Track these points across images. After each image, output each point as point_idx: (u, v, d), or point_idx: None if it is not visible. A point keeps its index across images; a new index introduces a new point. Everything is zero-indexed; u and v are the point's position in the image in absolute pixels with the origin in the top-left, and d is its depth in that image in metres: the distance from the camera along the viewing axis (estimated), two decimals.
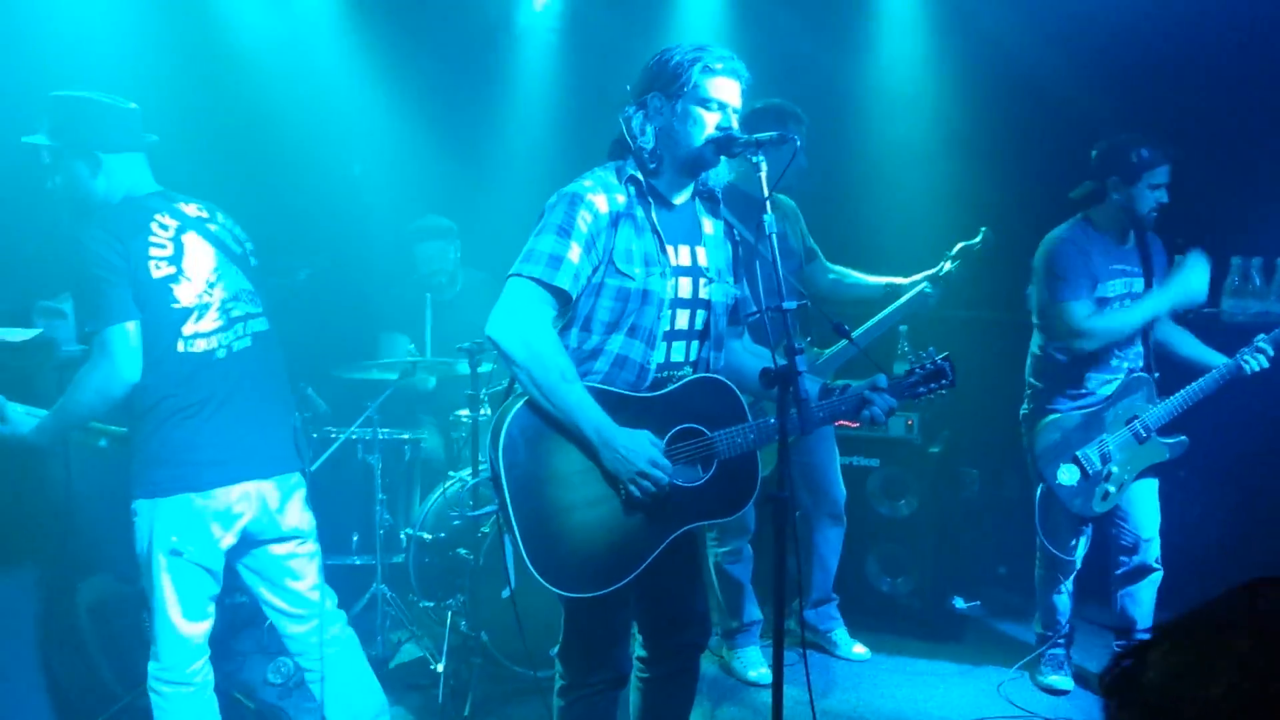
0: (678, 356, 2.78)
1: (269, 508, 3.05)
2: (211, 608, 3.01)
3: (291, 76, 5.51)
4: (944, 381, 2.84)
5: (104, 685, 3.60)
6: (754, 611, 4.51)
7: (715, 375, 2.80)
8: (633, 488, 2.58)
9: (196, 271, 2.93)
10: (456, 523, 4.33)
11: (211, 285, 2.95)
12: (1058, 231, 4.09)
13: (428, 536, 4.37)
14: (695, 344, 2.81)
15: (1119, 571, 4.16)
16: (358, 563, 4.57)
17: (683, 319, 2.77)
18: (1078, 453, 4.01)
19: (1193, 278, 3.94)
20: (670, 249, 2.74)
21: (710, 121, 2.68)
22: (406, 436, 4.70)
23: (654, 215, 2.72)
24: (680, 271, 2.75)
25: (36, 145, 2.94)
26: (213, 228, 3.04)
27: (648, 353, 2.69)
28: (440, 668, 4.07)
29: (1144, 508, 4.11)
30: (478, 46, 6.06)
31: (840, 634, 4.69)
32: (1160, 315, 4.02)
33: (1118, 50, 5.24)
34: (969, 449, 5.47)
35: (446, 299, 5.20)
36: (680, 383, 2.74)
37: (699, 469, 2.73)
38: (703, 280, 2.79)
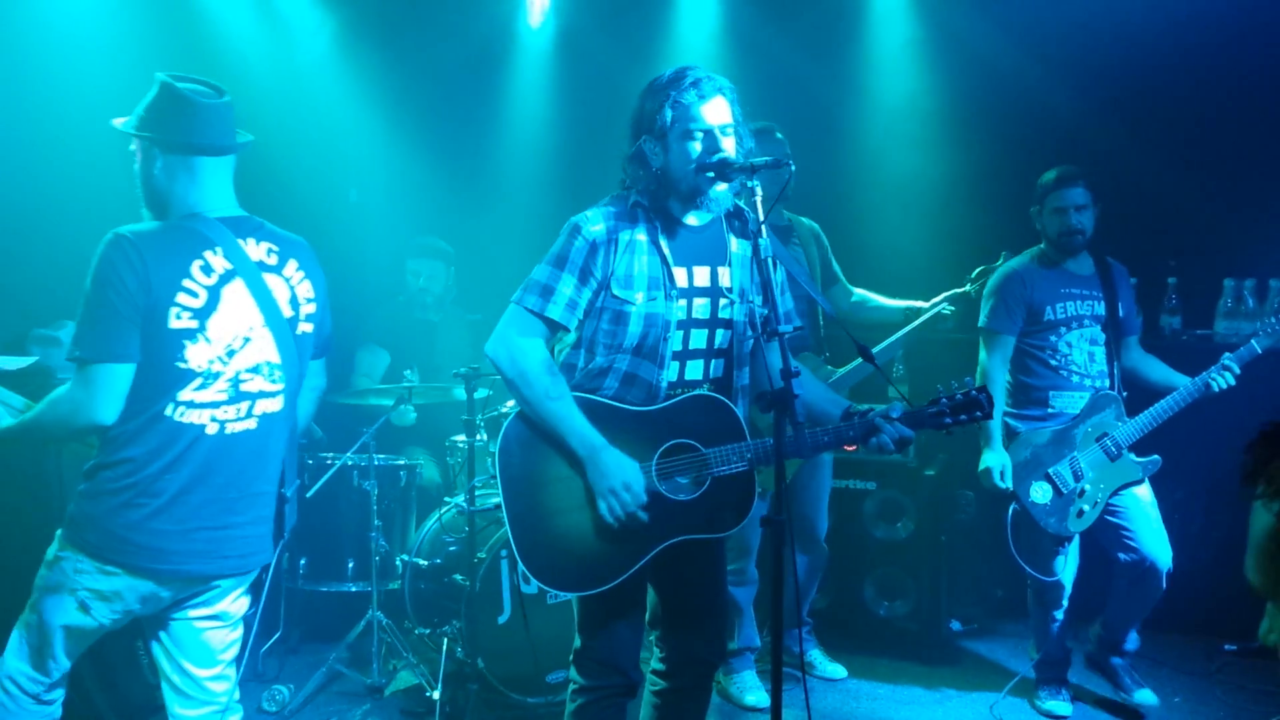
0: (694, 375, 2.82)
1: (201, 596, 2.69)
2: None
3: (287, 102, 5.54)
4: (978, 414, 2.78)
5: (99, 716, 3.57)
6: (753, 636, 4.48)
7: (714, 394, 2.81)
8: (601, 503, 2.67)
9: (221, 333, 2.55)
10: (452, 549, 4.31)
11: (231, 353, 2.57)
12: (1009, 262, 4.27)
13: (423, 563, 4.35)
14: (718, 362, 2.85)
15: (1125, 583, 4.14)
16: (353, 589, 4.54)
17: (699, 339, 2.81)
18: (1049, 470, 4.05)
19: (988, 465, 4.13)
20: (681, 271, 2.78)
21: (698, 151, 2.71)
22: (402, 462, 4.69)
23: (661, 239, 2.78)
24: (694, 293, 2.79)
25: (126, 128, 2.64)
26: (273, 281, 2.66)
27: (657, 372, 2.76)
28: (436, 695, 4.05)
29: (1149, 527, 4.09)
30: (473, 70, 6.09)
31: (816, 654, 4.68)
32: (989, 448, 4.16)
33: (1111, 72, 5.29)
34: (965, 472, 5.43)
35: (431, 320, 5.21)
36: (678, 399, 2.78)
37: (691, 484, 2.76)
38: (723, 300, 2.82)
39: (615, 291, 2.73)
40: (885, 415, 2.72)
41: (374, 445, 4.45)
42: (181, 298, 2.49)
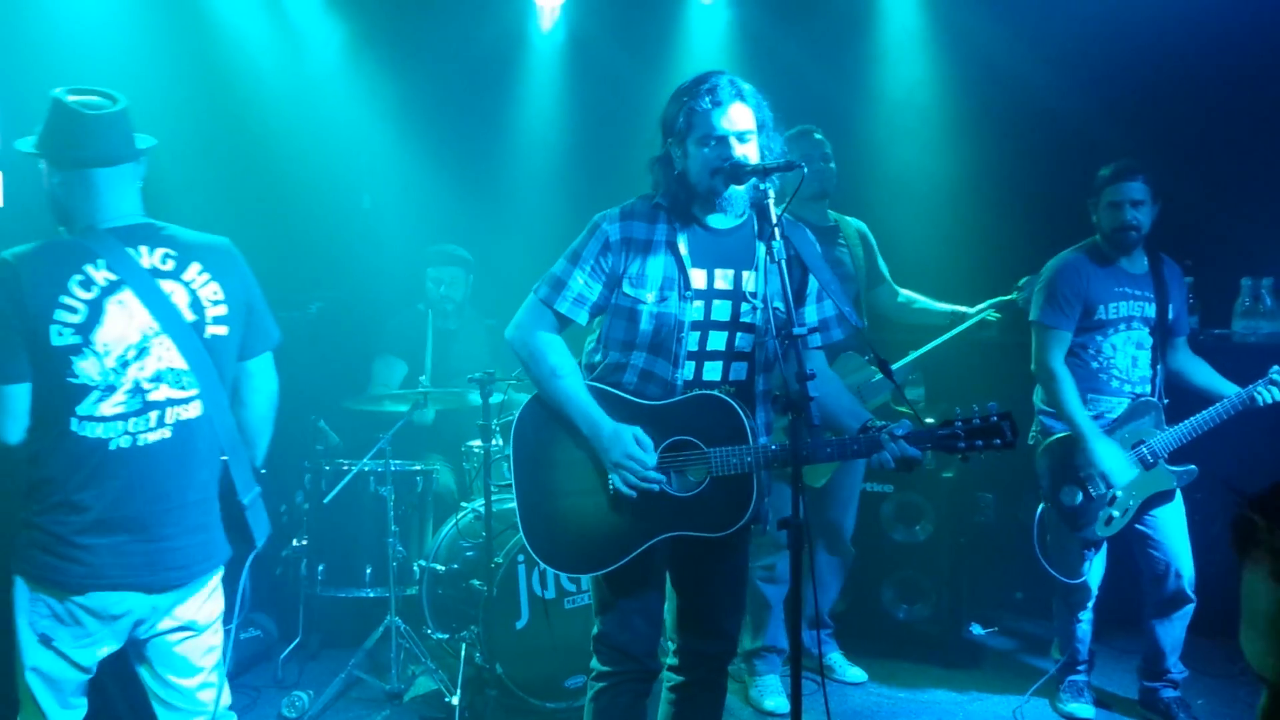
0: (712, 376, 2.84)
1: (160, 609, 2.63)
2: (81, 698, 2.65)
3: (300, 110, 5.56)
4: (997, 441, 2.67)
5: (118, 718, 3.57)
6: (779, 636, 4.41)
7: (721, 394, 2.80)
8: (614, 477, 2.76)
9: (110, 345, 2.50)
10: (470, 554, 4.31)
11: (125, 363, 2.51)
12: (1062, 254, 4.13)
13: (441, 568, 4.36)
14: (738, 365, 2.86)
15: (1152, 600, 4.09)
16: (371, 595, 4.54)
17: (718, 340, 2.83)
18: (1081, 474, 3.98)
19: (1109, 459, 3.90)
20: (700, 272, 2.80)
21: (711, 156, 2.74)
22: (419, 468, 4.69)
23: (680, 239, 2.80)
24: (712, 294, 2.81)
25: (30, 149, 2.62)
26: (169, 286, 2.59)
27: (671, 370, 2.80)
28: (455, 700, 4.05)
29: (1176, 537, 4.04)
30: (485, 75, 6.10)
31: (836, 657, 4.66)
32: (1085, 437, 3.92)
33: (1122, 71, 5.27)
34: (984, 473, 5.43)
35: (450, 328, 5.22)
36: (684, 396, 2.80)
37: (691, 481, 2.79)
38: (745, 304, 2.83)
39: (626, 290, 2.81)
40: (890, 433, 2.69)
41: (390, 451, 4.46)
42: (60, 314, 2.47)
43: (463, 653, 4.12)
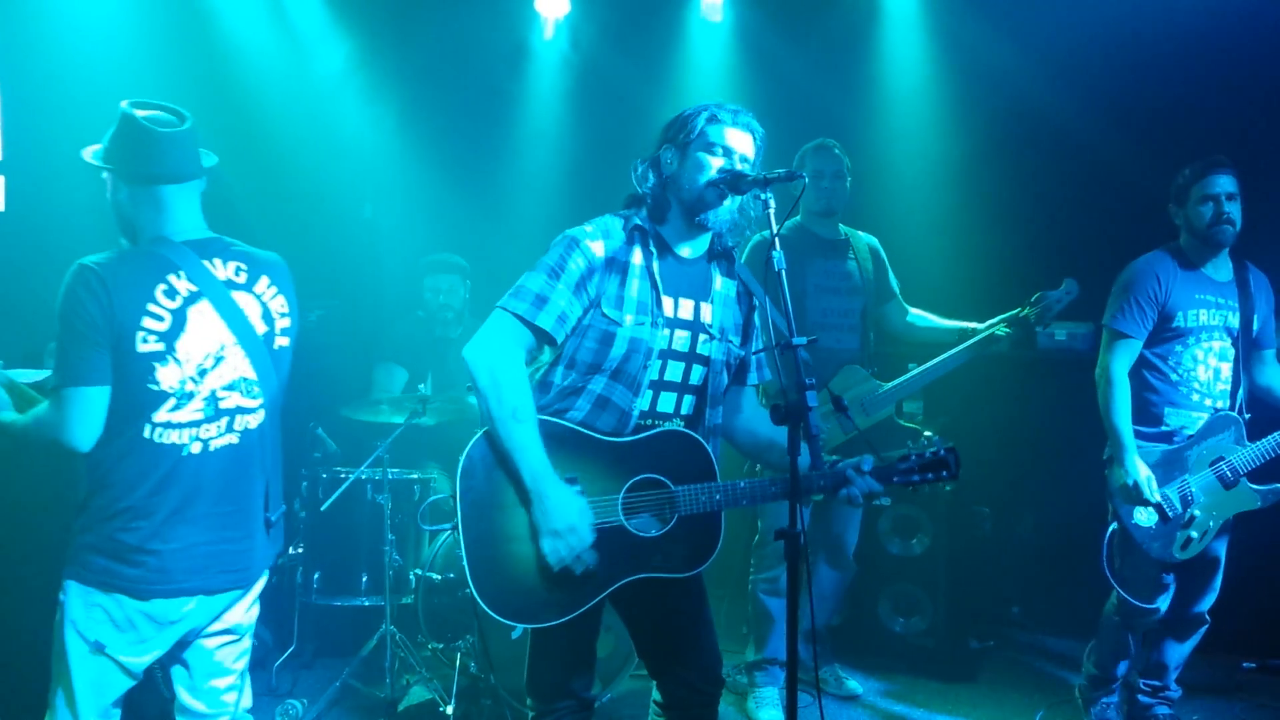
0: (665, 407, 2.80)
1: (213, 614, 2.71)
2: (118, 710, 2.68)
3: (303, 119, 5.58)
4: (944, 474, 2.72)
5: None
6: (782, 651, 4.35)
7: (688, 431, 2.78)
8: (544, 543, 2.58)
9: (190, 353, 2.59)
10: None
11: (204, 372, 2.60)
12: (1142, 257, 3.95)
13: (437, 577, 4.35)
14: (689, 398, 2.83)
15: (1171, 615, 3.96)
16: (366, 604, 4.53)
17: (675, 371, 2.80)
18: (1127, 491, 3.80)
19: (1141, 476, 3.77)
20: (668, 300, 2.78)
21: (714, 165, 2.74)
22: (416, 476, 4.69)
23: (654, 265, 2.78)
24: (677, 324, 2.79)
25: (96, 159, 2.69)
26: (242, 299, 2.69)
27: (631, 399, 2.72)
28: (450, 710, 4.04)
29: (1212, 554, 3.91)
30: (486, 85, 6.12)
31: (832, 670, 4.65)
32: (1124, 450, 3.78)
33: (1133, 85, 5.26)
34: (981, 487, 5.44)
35: (451, 336, 5.22)
36: (650, 432, 2.74)
37: (657, 521, 2.71)
38: (702, 336, 2.82)
39: (605, 310, 2.71)
40: (856, 468, 2.68)
41: (388, 459, 4.46)
42: (147, 322, 2.53)
43: (458, 662, 4.11)
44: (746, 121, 2.78)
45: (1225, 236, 3.82)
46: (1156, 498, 3.76)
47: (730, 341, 2.87)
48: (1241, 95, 5.12)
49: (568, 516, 2.58)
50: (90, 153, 2.70)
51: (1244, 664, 4.79)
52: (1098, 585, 4.13)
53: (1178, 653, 4.04)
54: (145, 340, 2.53)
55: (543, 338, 2.70)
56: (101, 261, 2.55)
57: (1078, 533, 4.62)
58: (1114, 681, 4.13)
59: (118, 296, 2.51)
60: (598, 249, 2.73)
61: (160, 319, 2.55)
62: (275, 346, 2.76)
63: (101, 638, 2.56)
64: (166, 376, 2.55)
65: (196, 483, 2.60)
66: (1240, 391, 3.91)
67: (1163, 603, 3.91)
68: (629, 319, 2.72)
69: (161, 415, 2.55)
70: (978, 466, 5.26)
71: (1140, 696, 4.11)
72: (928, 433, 2.87)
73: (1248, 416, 3.92)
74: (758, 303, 2.93)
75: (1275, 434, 3.80)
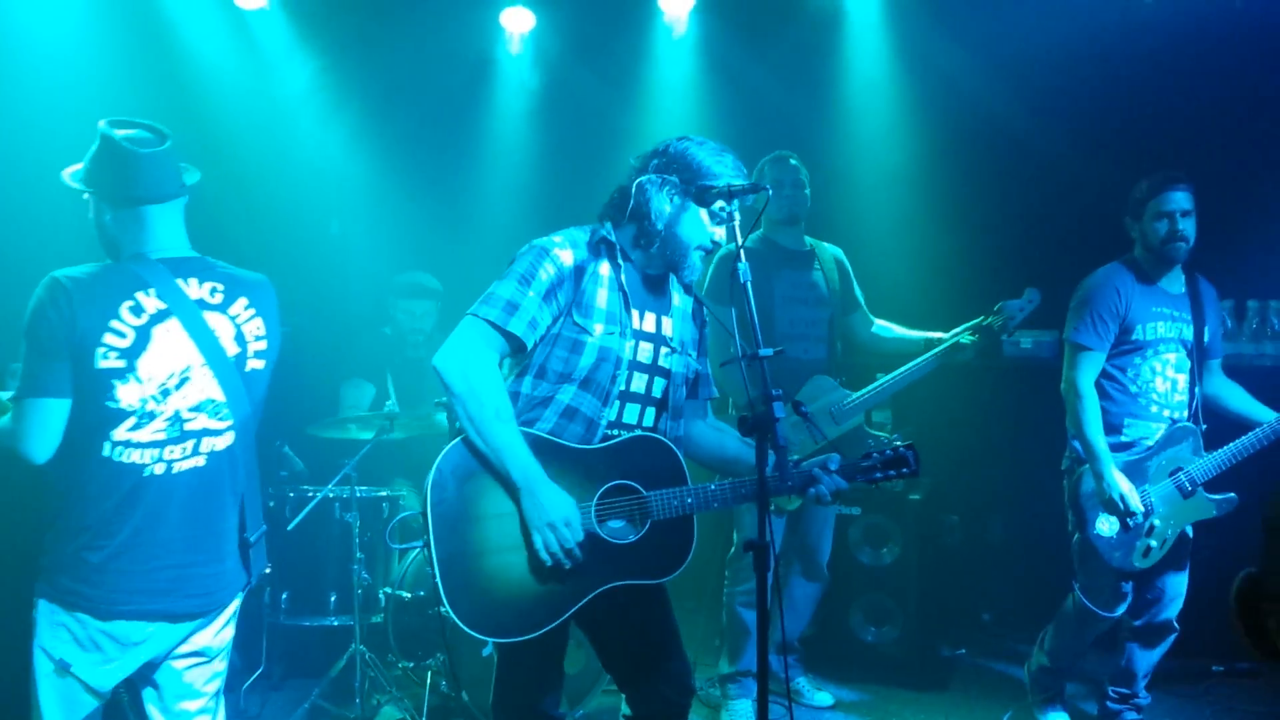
0: (630, 418, 2.81)
1: (179, 636, 2.66)
2: None
3: (268, 135, 5.55)
4: (904, 470, 2.78)
5: None
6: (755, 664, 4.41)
7: (658, 435, 2.80)
8: (537, 537, 2.58)
9: (153, 372, 2.53)
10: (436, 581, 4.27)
11: (166, 392, 2.55)
12: (1102, 269, 4.01)
13: (407, 595, 4.32)
14: (651, 410, 2.85)
15: (1137, 623, 4.01)
16: (335, 624, 4.49)
17: (639, 382, 2.81)
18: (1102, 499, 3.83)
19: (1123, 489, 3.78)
20: (635, 312, 2.81)
21: (713, 234, 2.79)
22: (384, 494, 4.65)
23: (623, 276, 2.80)
24: (642, 336, 2.81)
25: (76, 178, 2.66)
26: (213, 319, 2.64)
27: (599, 409, 2.73)
28: None
29: (1174, 562, 3.95)
30: (453, 99, 6.11)
31: (802, 682, 4.65)
32: (1100, 463, 3.81)
33: (1098, 98, 5.33)
34: (950, 496, 5.47)
35: (418, 356, 5.20)
36: (621, 439, 2.75)
37: (630, 527, 2.71)
38: (664, 349, 2.85)
39: (576, 319, 2.72)
40: (823, 466, 2.72)
41: (355, 477, 4.42)
42: (108, 338, 2.50)
43: (428, 681, 4.09)
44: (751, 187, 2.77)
45: (1179, 254, 3.89)
46: (1141, 508, 3.79)
47: (689, 355, 2.92)
48: (1198, 105, 5.18)
49: (563, 509, 2.59)
50: (70, 174, 2.67)
51: (1213, 668, 4.83)
52: (1066, 590, 4.17)
53: (1146, 660, 4.07)
54: (106, 356, 2.49)
55: (514, 343, 2.69)
56: (72, 275, 2.53)
57: (1046, 538, 4.64)
58: (1063, 675, 4.20)
59: (81, 310, 2.47)
60: (566, 258, 2.74)
61: (123, 335, 2.51)
62: (247, 369, 2.70)
63: (66, 656, 2.53)
64: (126, 394, 2.51)
65: (160, 504, 2.56)
66: (1196, 402, 3.98)
67: (1121, 610, 3.97)
68: (598, 329, 2.73)
69: (121, 434, 2.51)
70: (946, 475, 5.32)
71: (1109, 704, 4.15)
72: (891, 436, 2.93)
73: (1204, 427, 3.98)
74: (708, 317, 3.01)
75: (1230, 446, 3.87)
